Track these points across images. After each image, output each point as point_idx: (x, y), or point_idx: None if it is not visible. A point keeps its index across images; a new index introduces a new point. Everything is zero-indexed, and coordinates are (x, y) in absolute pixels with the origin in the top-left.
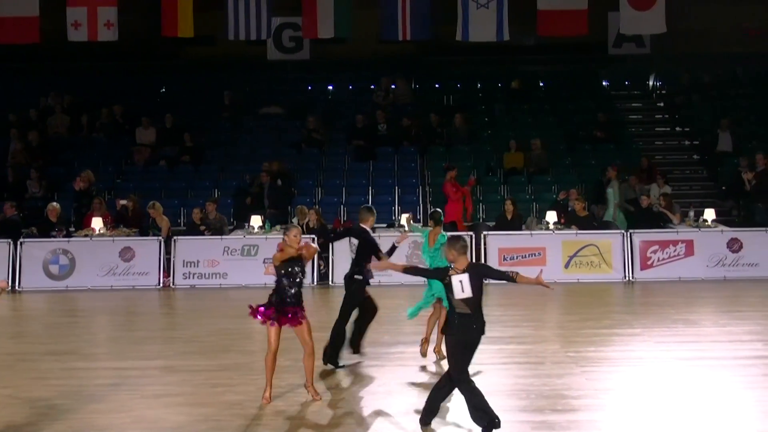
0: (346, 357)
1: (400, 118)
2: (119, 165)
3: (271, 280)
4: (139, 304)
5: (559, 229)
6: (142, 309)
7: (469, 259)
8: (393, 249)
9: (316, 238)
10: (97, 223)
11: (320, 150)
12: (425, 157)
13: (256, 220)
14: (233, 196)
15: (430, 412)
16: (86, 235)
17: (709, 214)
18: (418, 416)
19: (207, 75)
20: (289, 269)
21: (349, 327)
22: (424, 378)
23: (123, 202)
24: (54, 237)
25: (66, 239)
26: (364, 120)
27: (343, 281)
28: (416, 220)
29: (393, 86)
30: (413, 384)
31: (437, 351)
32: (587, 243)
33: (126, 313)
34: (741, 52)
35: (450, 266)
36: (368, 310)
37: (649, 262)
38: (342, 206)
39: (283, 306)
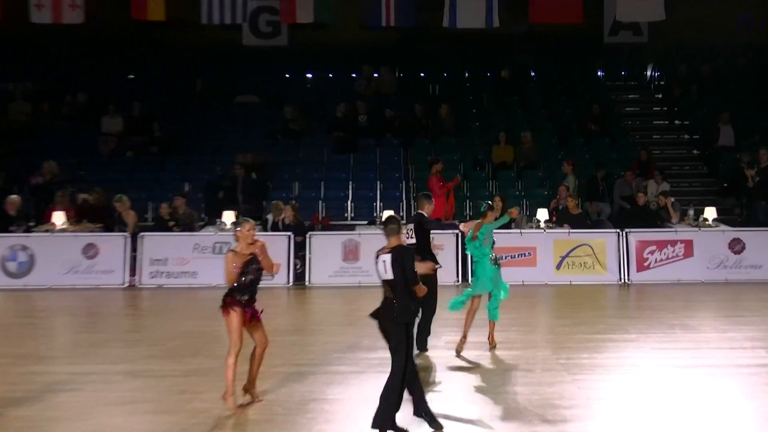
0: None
1: (383, 109)
2: (83, 156)
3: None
4: (102, 304)
5: (551, 228)
6: (106, 310)
7: (403, 242)
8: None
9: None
10: (58, 217)
11: (298, 141)
12: (409, 150)
13: (228, 216)
14: (204, 189)
15: (421, 403)
16: (47, 231)
17: (710, 212)
18: (402, 425)
19: (178, 61)
20: (243, 273)
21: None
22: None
23: (84, 196)
24: (12, 232)
25: (25, 234)
26: (345, 110)
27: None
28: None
29: (376, 75)
30: None
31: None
32: (580, 242)
33: (88, 314)
34: (741, 43)
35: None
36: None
37: (645, 264)
38: (320, 201)
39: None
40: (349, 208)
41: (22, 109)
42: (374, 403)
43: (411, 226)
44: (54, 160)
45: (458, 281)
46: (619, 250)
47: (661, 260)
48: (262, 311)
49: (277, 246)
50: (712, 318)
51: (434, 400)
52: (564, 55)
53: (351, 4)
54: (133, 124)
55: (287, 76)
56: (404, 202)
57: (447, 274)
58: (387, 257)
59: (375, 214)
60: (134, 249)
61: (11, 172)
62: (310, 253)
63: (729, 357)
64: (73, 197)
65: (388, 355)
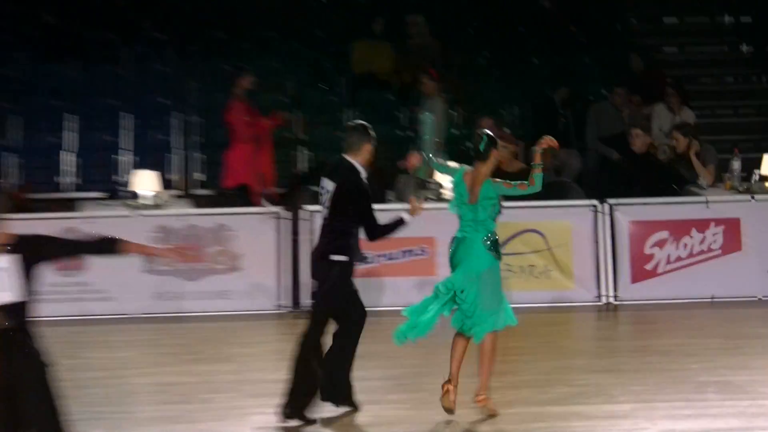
0: None
1: None
2: None
3: None
4: None
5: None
6: None
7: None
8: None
9: None
10: None
11: None
12: (189, 60)
13: None
14: None
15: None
16: None
17: None
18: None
19: None
20: None
21: None
22: None
23: None
24: None
25: None
26: None
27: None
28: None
29: None
30: None
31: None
32: (522, 228)
33: None
34: None
35: None
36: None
37: (648, 266)
38: (5, 153)
39: None
40: (70, 169)
41: None
42: None
43: (327, 187)
44: None
45: None
46: (597, 242)
47: (679, 259)
48: None
49: None
50: None
51: None
52: None
53: None
54: None
55: None
56: (178, 154)
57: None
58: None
59: (120, 179)
60: None
61: None
62: None
63: None
64: None
65: None
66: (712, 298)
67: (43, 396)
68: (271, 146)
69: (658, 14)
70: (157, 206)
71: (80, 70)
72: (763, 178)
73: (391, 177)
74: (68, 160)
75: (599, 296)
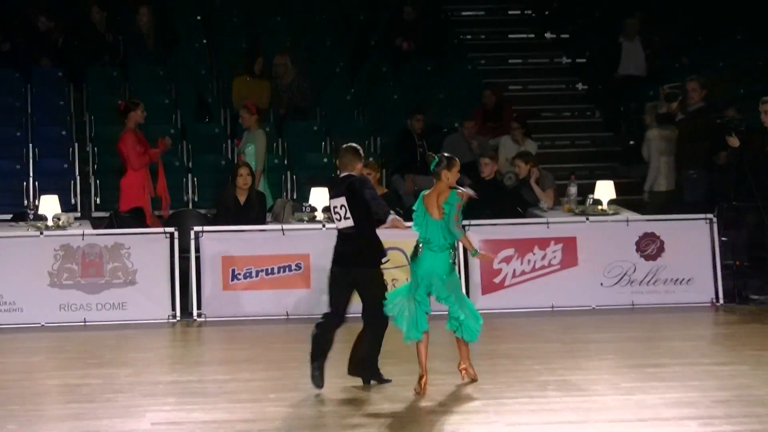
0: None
1: (37, 15)
2: None
3: None
4: None
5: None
6: None
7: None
8: None
9: None
10: None
11: None
12: (84, 86)
13: None
14: None
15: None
16: None
17: (605, 190)
18: None
19: None
20: None
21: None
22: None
23: None
24: None
25: None
26: None
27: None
28: None
29: None
30: None
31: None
32: (388, 246)
33: None
34: None
35: None
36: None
37: (496, 280)
38: None
39: None
40: None
41: None
42: None
43: (339, 201)
44: None
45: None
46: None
47: (524, 273)
48: None
49: None
50: (608, 370)
51: None
52: None
53: None
54: None
55: None
56: (77, 179)
57: None
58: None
59: (26, 203)
60: None
61: None
62: None
63: None
64: None
65: None
66: (552, 307)
67: None
68: (163, 172)
69: (505, 57)
70: (60, 227)
71: None
72: (596, 202)
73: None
74: None
75: None
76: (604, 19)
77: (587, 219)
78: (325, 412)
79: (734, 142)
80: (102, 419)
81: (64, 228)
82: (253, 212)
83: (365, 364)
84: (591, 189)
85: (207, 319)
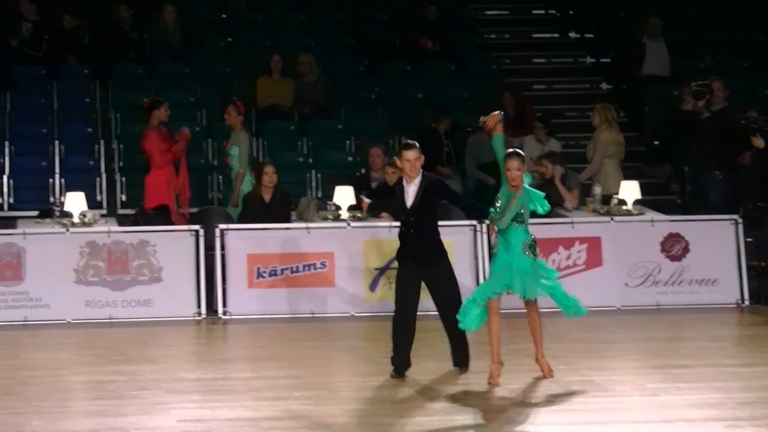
0: None
1: (62, 15)
2: None
3: None
4: None
5: (359, 218)
6: None
7: None
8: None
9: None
10: None
11: None
12: (109, 83)
13: None
14: None
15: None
16: None
17: (630, 190)
18: None
19: None
20: None
21: None
22: None
23: None
24: None
25: None
26: None
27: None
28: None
29: None
30: None
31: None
32: None
33: None
34: None
35: None
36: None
37: None
38: None
39: None
40: (4, 189)
41: None
42: None
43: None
44: None
45: None
46: (476, 257)
47: None
48: None
49: None
50: (633, 370)
51: None
52: None
53: None
54: None
55: None
56: (102, 176)
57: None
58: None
59: (52, 199)
60: None
61: None
62: None
63: None
64: None
65: None
66: None
67: None
68: (186, 169)
69: (529, 56)
70: (85, 224)
71: (12, 101)
72: (621, 202)
73: (295, 199)
74: (5, 182)
75: None
76: (628, 19)
77: (612, 219)
78: (350, 411)
79: (759, 142)
80: (127, 416)
81: (90, 225)
82: (278, 210)
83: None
84: (615, 189)
85: (232, 317)
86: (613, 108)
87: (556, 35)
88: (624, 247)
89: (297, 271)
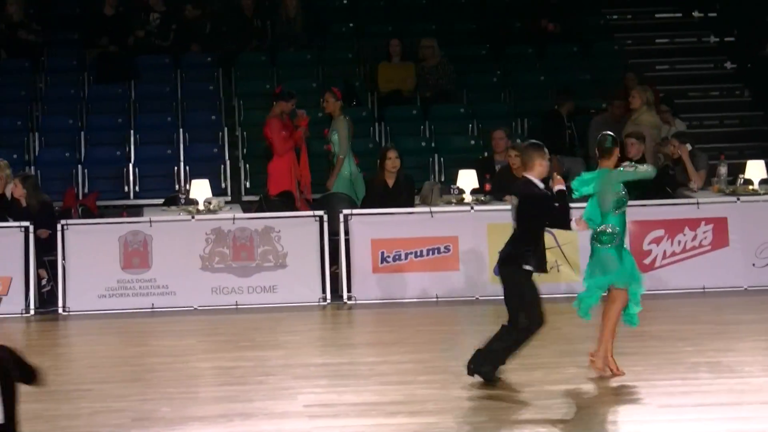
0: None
1: (183, 3)
2: None
3: None
4: None
5: (483, 202)
6: None
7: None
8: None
9: None
10: None
11: (34, 62)
12: (232, 71)
13: None
14: None
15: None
16: None
17: (757, 170)
18: None
19: None
20: None
21: None
22: None
23: None
24: None
25: None
26: (118, 5)
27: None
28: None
29: None
30: None
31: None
32: None
33: None
34: None
35: None
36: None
37: (646, 261)
38: (79, 167)
39: None
40: (130, 178)
41: None
42: None
43: (513, 203)
44: None
45: None
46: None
47: (674, 254)
48: None
49: (2, 245)
50: (761, 351)
51: None
52: None
53: None
54: None
55: None
56: (226, 164)
57: None
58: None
59: (177, 187)
60: None
61: None
62: (64, 259)
63: None
64: None
65: None
66: (703, 288)
67: None
68: (306, 155)
69: (652, 36)
70: (210, 211)
71: (136, 91)
72: (746, 182)
73: (418, 183)
74: (131, 171)
75: None
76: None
77: (738, 199)
78: (476, 395)
79: None
80: (254, 401)
81: (215, 212)
82: (402, 195)
83: (483, 352)
84: (741, 169)
85: (357, 302)
86: (651, 90)
87: (679, 14)
88: (750, 227)
89: (421, 256)
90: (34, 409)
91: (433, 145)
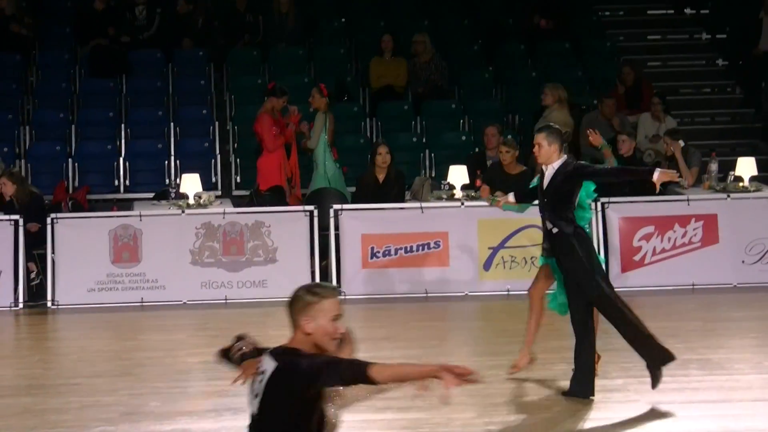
0: None
1: None
2: None
3: None
4: None
5: (474, 198)
6: None
7: None
8: None
9: None
10: None
11: (26, 55)
12: (224, 66)
13: None
14: None
15: None
16: None
17: (747, 167)
18: None
19: None
20: None
21: None
22: None
23: None
24: None
25: None
26: (110, 1)
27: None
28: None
29: None
30: None
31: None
32: (524, 224)
33: None
34: None
35: None
36: None
37: (636, 258)
38: (69, 161)
39: None
40: (120, 172)
41: None
42: None
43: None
44: None
45: None
46: (592, 235)
47: (664, 251)
48: None
49: None
50: (750, 348)
51: None
52: None
53: None
54: None
55: None
56: (217, 158)
57: None
58: None
59: (167, 181)
60: None
61: None
62: (53, 252)
63: None
64: None
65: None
66: (693, 285)
67: None
68: (296, 151)
69: (643, 33)
70: (201, 205)
71: (128, 85)
72: (737, 179)
73: (409, 179)
74: (122, 165)
75: None
76: None
77: (728, 196)
78: (465, 391)
79: None
80: (243, 396)
81: (205, 206)
82: (393, 191)
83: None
84: (732, 166)
85: (347, 297)
86: (564, 88)
87: (671, 11)
88: (740, 224)
89: (411, 251)
90: (24, 403)
91: (424, 140)
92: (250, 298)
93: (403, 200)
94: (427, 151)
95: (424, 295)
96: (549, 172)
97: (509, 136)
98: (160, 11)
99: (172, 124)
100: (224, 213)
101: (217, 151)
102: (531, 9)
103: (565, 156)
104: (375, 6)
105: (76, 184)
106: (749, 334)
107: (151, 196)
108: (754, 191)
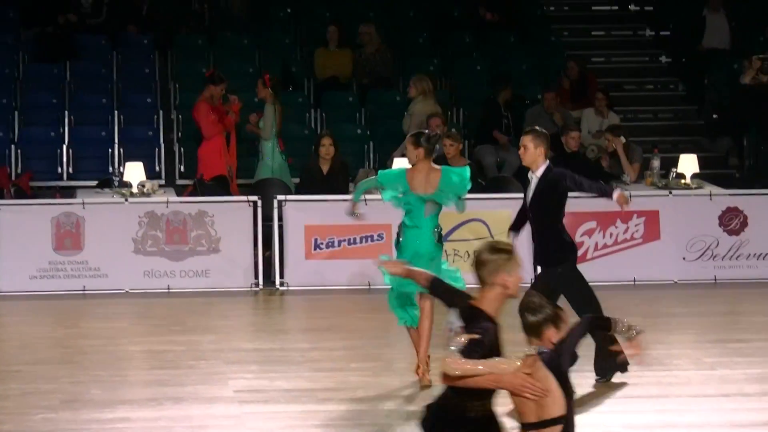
0: None
1: None
2: None
3: None
4: None
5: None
6: None
7: None
8: None
9: None
10: None
11: None
12: (170, 54)
13: None
14: None
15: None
16: None
17: (688, 163)
18: None
19: None
20: None
21: None
22: None
23: None
24: None
25: None
26: None
27: None
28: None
29: None
30: None
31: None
32: (468, 217)
33: None
34: None
35: None
36: None
37: (579, 253)
38: (12, 147)
39: None
40: (64, 159)
41: None
42: None
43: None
44: None
45: None
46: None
47: (606, 246)
48: None
49: None
50: (690, 344)
51: None
52: None
53: None
54: None
55: None
56: (161, 147)
57: None
58: None
59: (111, 169)
60: None
61: None
62: None
63: (721, 411)
64: None
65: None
66: (634, 281)
67: None
68: (235, 141)
69: (588, 28)
70: (144, 194)
71: (72, 71)
72: (679, 175)
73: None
74: (65, 152)
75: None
76: None
77: (670, 193)
78: (407, 384)
79: None
80: (185, 385)
81: (148, 195)
82: (337, 182)
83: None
84: (674, 162)
85: (289, 288)
86: (429, 79)
87: (616, 7)
88: (682, 220)
89: (354, 243)
90: None
91: (369, 132)
92: (193, 288)
93: (347, 191)
94: (371, 142)
95: (367, 287)
96: (533, 182)
97: (453, 129)
98: (107, 1)
99: (116, 111)
100: (168, 202)
101: (161, 140)
102: (477, 1)
103: (548, 162)
104: None
105: (19, 170)
106: (689, 330)
107: (95, 184)
108: (695, 188)
